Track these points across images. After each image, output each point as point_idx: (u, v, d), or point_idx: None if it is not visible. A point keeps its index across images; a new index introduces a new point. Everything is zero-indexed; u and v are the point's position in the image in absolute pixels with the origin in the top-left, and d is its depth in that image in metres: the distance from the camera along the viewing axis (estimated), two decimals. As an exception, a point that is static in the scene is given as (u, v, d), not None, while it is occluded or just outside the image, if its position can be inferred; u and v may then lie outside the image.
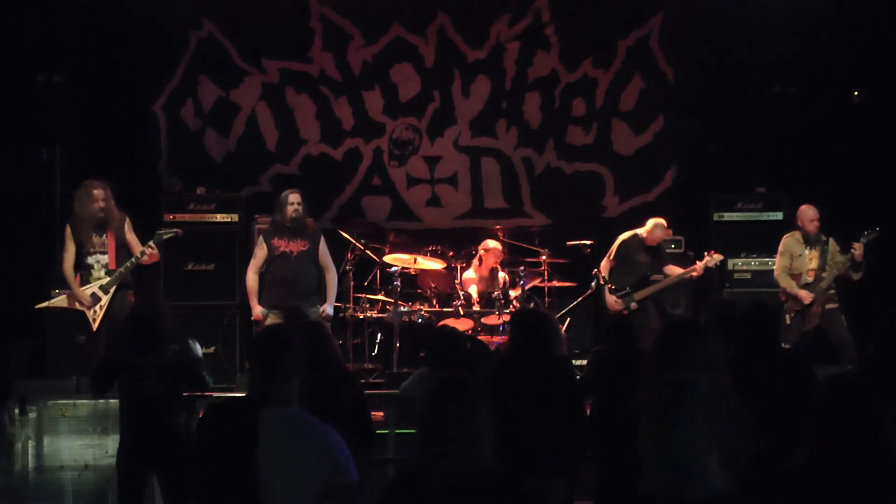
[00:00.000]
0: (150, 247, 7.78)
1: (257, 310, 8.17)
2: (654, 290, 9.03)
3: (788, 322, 8.56)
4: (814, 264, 8.67)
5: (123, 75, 10.27)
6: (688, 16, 10.75)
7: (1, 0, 9.47)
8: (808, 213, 8.70)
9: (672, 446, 2.52)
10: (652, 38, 10.92)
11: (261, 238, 8.40)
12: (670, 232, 9.57)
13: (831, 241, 8.68)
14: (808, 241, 8.71)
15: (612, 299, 8.94)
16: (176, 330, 6.18)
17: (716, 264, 9.12)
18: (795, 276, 8.71)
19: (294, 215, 8.18)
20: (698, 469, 2.52)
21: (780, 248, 8.84)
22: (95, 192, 7.83)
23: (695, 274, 9.04)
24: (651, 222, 9.19)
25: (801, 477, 3.16)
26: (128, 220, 7.93)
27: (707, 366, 3.50)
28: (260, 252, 8.29)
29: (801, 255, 8.71)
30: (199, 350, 6.03)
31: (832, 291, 8.63)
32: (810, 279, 8.65)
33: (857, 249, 8.42)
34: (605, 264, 9.16)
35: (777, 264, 8.84)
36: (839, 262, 8.55)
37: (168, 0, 10.43)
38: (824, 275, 8.59)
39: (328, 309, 8.19)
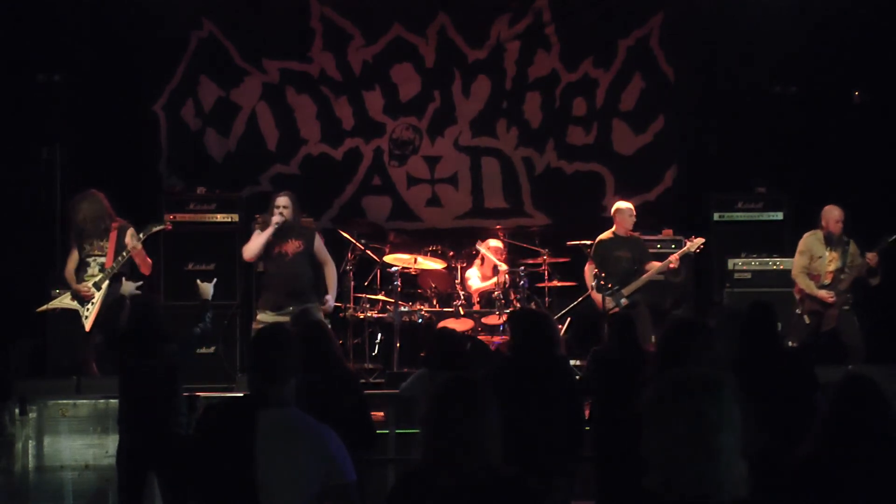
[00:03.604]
0: (138, 238, 7.89)
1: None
2: (640, 284, 8.96)
3: (808, 321, 8.50)
4: (833, 266, 8.57)
5: (123, 75, 10.26)
6: (688, 16, 10.75)
7: (1, 0, 9.47)
8: (833, 214, 8.57)
9: (714, 447, 2.43)
10: (652, 37, 10.92)
11: (256, 233, 8.29)
12: (646, 229, 9.45)
13: (852, 243, 8.58)
14: (830, 242, 8.59)
15: (599, 298, 8.84)
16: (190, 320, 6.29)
17: (698, 248, 9.07)
18: (814, 277, 8.62)
19: (279, 219, 8.08)
20: (731, 470, 2.43)
21: (800, 246, 8.71)
22: (82, 204, 8.01)
23: (672, 266, 8.99)
24: (613, 208, 9.19)
25: (807, 473, 3.16)
26: (131, 228, 8.00)
27: (711, 364, 3.50)
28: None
29: (821, 256, 8.59)
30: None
31: (849, 294, 8.59)
32: (828, 281, 8.56)
33: (872, 260, 8.38)
34: (588, 269, 9.12)
35: (795, 263, 8.72)
36: (858, 265, 8.49)
37: (168, 0, 10.43)
38: (843, 276, 8.52)
39: (330, 301, 8.17)
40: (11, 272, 9.05)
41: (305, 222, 8.48)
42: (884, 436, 3.15)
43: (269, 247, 8.13)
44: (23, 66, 9.50)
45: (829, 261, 8.60)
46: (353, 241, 9.59)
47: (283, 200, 8.17)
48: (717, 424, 2.43)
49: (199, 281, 6.70)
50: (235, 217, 9.78)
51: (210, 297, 6.60)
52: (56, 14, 9.75)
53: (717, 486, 2.40)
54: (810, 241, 8.69)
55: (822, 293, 8.50)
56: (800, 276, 8.66)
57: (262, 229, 8.14)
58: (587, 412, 5.76)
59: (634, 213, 9.16)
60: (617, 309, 8.65)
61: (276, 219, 8.02)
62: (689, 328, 3.80)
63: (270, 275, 8.17)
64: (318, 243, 8.28)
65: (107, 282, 7.94)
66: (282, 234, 8.11)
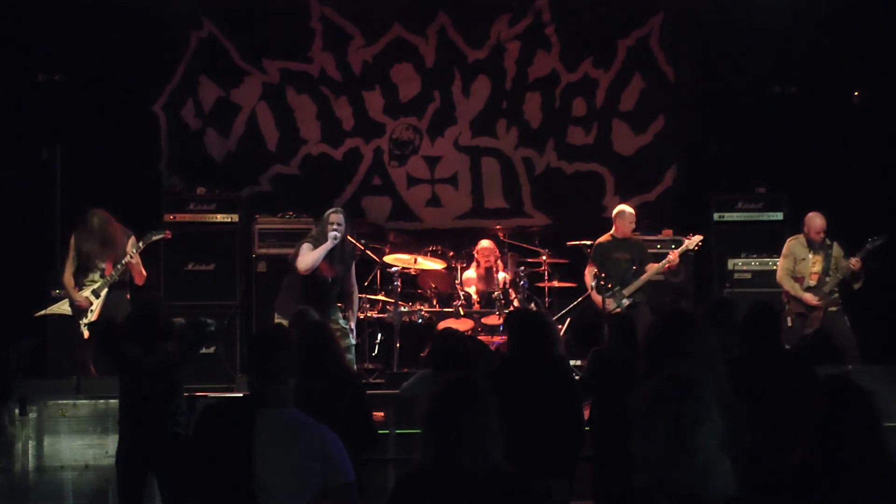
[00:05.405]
0: (138, 247, 7.90)
1: None
2: (640, 284, 8.97)
3: (790, 324, 8.56)
4: (817, 268, 8.66)
5: (123, 75, 10.26)
6: (688, 16, 10.75)
7: (1, 0, 9.47)
8: (815, 223, 8.68)
9: (691, 445, 2.46)
10: (652, 38, 10.92)
11: (307, 245, 8.14)
12: (636, 231, 9.40)
13: (835, 246, 8.67)
14: (812, 245, 8.70)
15: (600, 300, 8.83)
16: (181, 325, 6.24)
17: (696, 245, 9.09)
18: (798, 279, 8.71)
19: (336, 235, 7.97)
20: (714, 467, 2.47)
21: (784, 250, 8.84)
22: (95, 220, 8.00)
23: (669, 266, 8.98)
24: (615, 211, 9.19)
25: (798, 475, 3.16)
26: (133, 237, 7.99)
27: (703, 358, 3.49)
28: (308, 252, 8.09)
29: (804, 258, 8.70)
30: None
31: (836, 295, 8.63)
32: (813, 282, 8.65)
33: (856, 265, 8.44)
34: (587, 271, 9.11)
35: (780, 266, 8.84)
36: (843, 267, 8.54)
37: (168, 0, 10.42)
38: (828, 279, 8.58)
39: (353, 329, 8.21)
40: (11, 272, 9.05)
41: (348, 243, 8.40)
42: (867, 435, 3.15)
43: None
44: (23, 66, 9.50)
45: (813, 262, 8.69)
46: (353, 241, 9.58)
47: (337, 218, 8.07)
48: (694, 423, 2.47)
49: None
50: (235, 217, 9.78)
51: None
52: (56, 14, 9.75)
53: (703, 484, 2.44)
54: (793, 245, 8.81)
55: (807, 296, 8.59)
56: (784, 278, 8.76)
57: (314, 244, 8.04)
58: (587, 412, 5.75)
59: (635, 219, 9.18)
60: (618, 310, 8.66)
61: (333, 234, 7.96)
62: (677, 320, 3.77)
63: (304, 288, 8.00)
64: (352, 270, 8.29)
65: (106, 289, 7.93)
66: (332, 252, 8.04)
